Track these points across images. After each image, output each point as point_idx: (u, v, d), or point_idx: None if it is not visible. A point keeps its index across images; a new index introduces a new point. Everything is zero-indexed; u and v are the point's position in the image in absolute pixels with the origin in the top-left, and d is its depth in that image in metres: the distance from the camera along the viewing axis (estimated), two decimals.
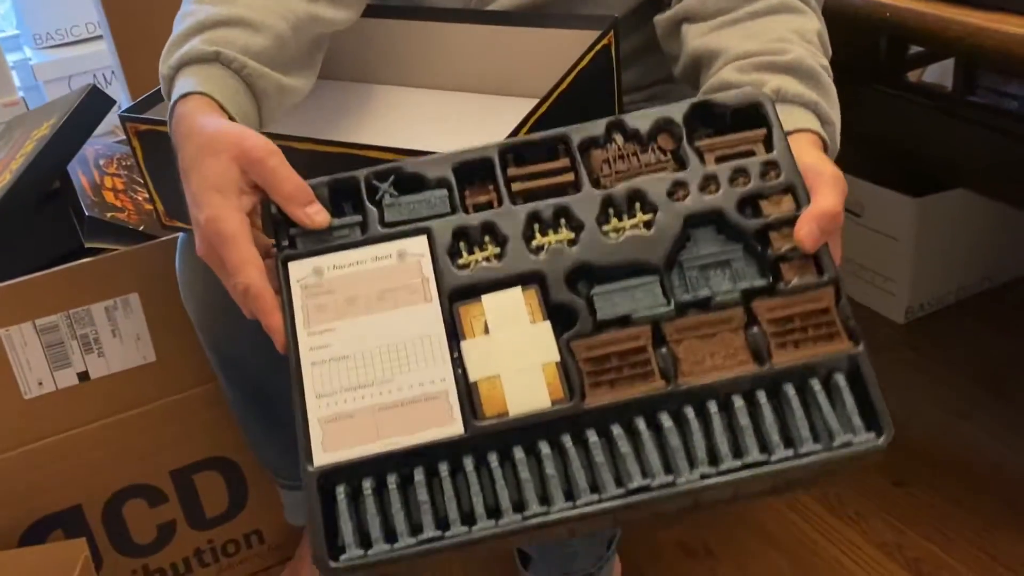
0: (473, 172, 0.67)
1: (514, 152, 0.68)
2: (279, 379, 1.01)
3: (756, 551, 1.29)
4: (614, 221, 0.65)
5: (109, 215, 1.11)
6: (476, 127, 0.95)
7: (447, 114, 0.97)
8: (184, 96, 0.71)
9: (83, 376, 1.12)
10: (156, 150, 0.85)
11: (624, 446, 0.59)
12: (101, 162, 1.25)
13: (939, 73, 2.17)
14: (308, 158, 0.77)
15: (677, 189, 0.66)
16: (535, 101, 0.78)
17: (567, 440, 0.59)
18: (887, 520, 1.31)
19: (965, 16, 0.94)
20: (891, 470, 1.38)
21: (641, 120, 0.68)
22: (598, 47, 0.84)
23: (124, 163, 1.28)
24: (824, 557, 1.27)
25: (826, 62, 0.81)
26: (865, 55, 1.82)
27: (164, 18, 1.36)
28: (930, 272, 1.67)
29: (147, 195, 1.19)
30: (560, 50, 0.90)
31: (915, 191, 1.62)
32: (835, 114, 0.79)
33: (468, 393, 0.60)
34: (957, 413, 1.47)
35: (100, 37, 2.16)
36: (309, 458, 0.61)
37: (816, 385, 0.62)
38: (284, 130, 0.82)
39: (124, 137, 1.38)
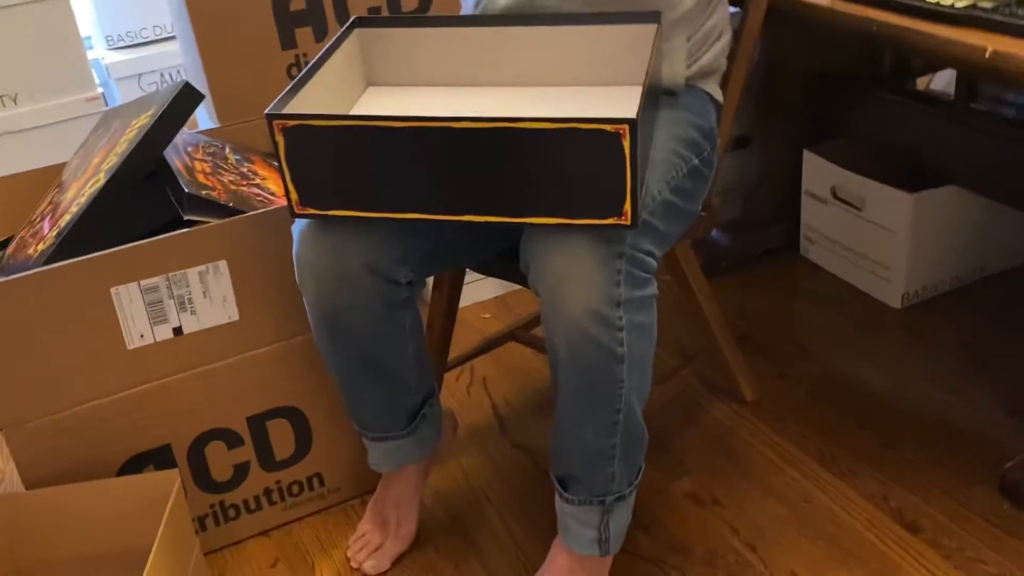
0: None
1: None
2: (384, 341, 1.19)
3: (758, 500, 1.45)
4: None
5: (204, 192, 1.29)
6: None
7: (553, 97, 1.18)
8: None
9: (177, 331, 1.30)
10: (300, 144, 1.01)
11: None
12: (189, 149, 1.44)
13: (946, 81, 2.33)
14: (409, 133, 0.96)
15: None
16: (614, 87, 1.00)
17: None
18: (876, 476, 1.47)
19: (934, 30, 1.10)
20: (882, 433, 1.54)
21: None
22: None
23: (207, 150, 1.47)
24: (818, 505, 1.43)
25: None
26: (871, 63, 1.99)
27: (244, 23, 1.56)
28: (925, 262, 1.83)
29: (238, 174, 1.38)
30: (621, 42, 1.09)
31: (912, 187, 1.78)
32: None
33: None
34: (944, 387, 1.63)
35: (167, 39, 2.36)
36: None
37: None
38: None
39: (200, 129, 1.57)
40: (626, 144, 0.93)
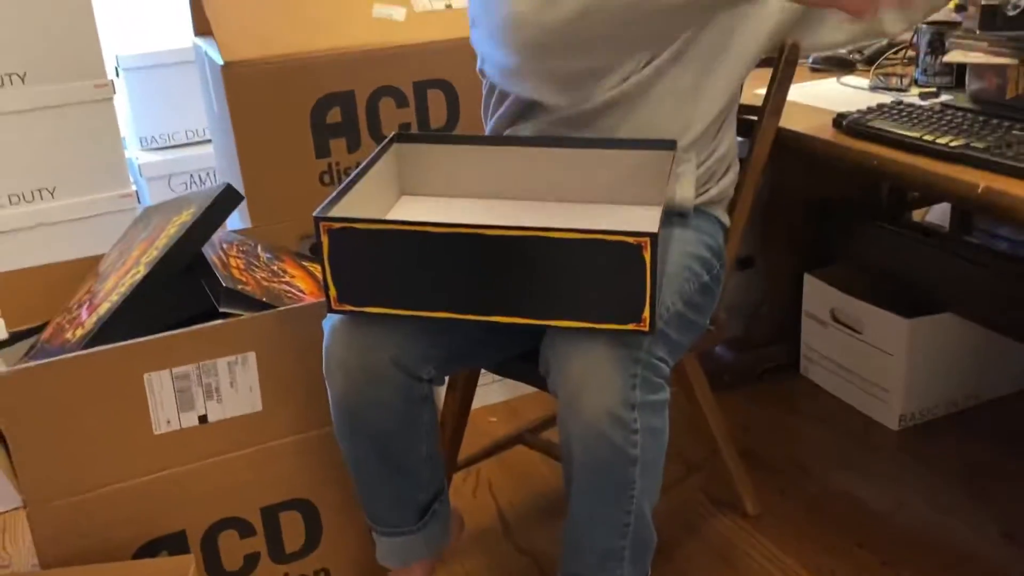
0: None
1: None
2: (402, 437, 1.24)
3: None
4: None
5: (239, 287, 1.36)
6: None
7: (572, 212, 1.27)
8: None
9: (203, 419, 1.35)
10: (343, 245, 1.09)
11: None
12: (224, 246, 1.51)
13: (941, 214, 2.44)
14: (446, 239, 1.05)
15: None
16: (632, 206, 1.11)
17: None
18: None
19: (931, 166, 1.19)
20: (880, 551, 1.57)
21: None
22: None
23: (241, 248, 1.54)
24: None
25: None
26: (868, 195, 2.09)
27: (282, 131, 1.66)
28: (922, 386, 1.89)
29: (269, 272, 1.45)
30: (639, 166, 1.17)
31: (909, 312, 1.85)
32: None
33: None
34: (941, 508, 1.67)
35: (198, 143, 2.48)
36: None
37: None
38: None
39: (233, 228, 1.65)
40: (647, 255, 1.00)
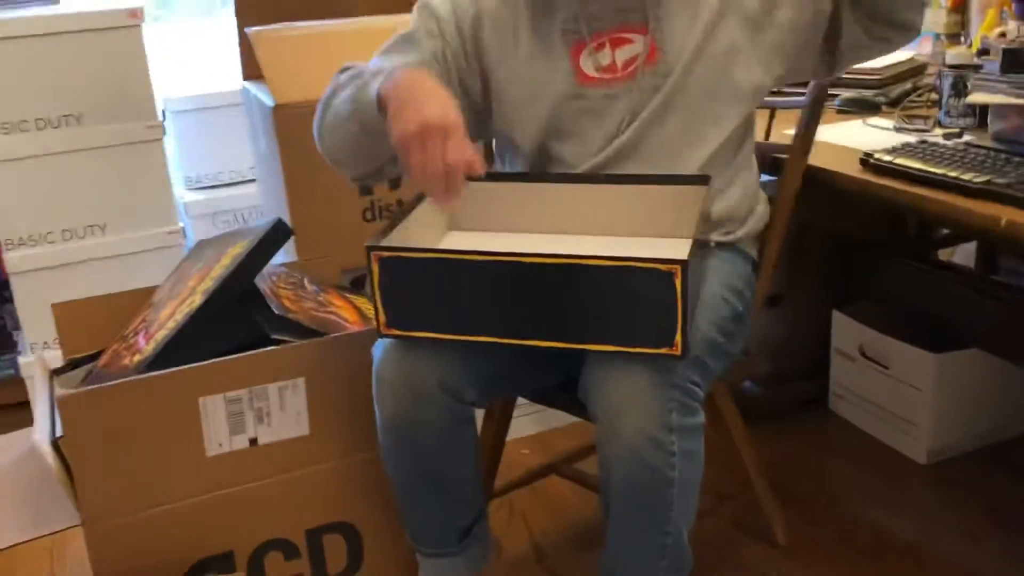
0: None
1: None
2: (448, 457, 1.29)
3: None
4: None
5: (290, 316, 1.42)
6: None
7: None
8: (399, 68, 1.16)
9: (253, 441, 1.41)
10: (392, 273, 1.15)
11: None
12: (273, 277, 1.58)
13: (967, 255, 2.48)
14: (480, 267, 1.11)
15: None
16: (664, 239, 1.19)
17: None
18: None
19: (955, 201, 1.24)
20: None
21: None
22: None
23: (289, 280, 1.61)
24: None
25: None
26: (895, 233, 2.13)
27: (329, 170, 1.73)
28: (950, 421, 1.91)
29: (316, 302, 1.51)
30: (673, 200, 1.24)
31: (936, 348, 1.88)
32: None
33: None
34: (970, 540, 1.69)
35: (242, 183, 2.56)
36: None
37: None
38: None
39: (279, 262, 1.71)
40: (678, 283, 1.05)
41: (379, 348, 1.26)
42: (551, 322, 1.12)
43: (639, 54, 1.29)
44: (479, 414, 1.82)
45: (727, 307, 1.30)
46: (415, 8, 1.37)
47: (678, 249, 1.27)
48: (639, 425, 1.11)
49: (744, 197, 1.40)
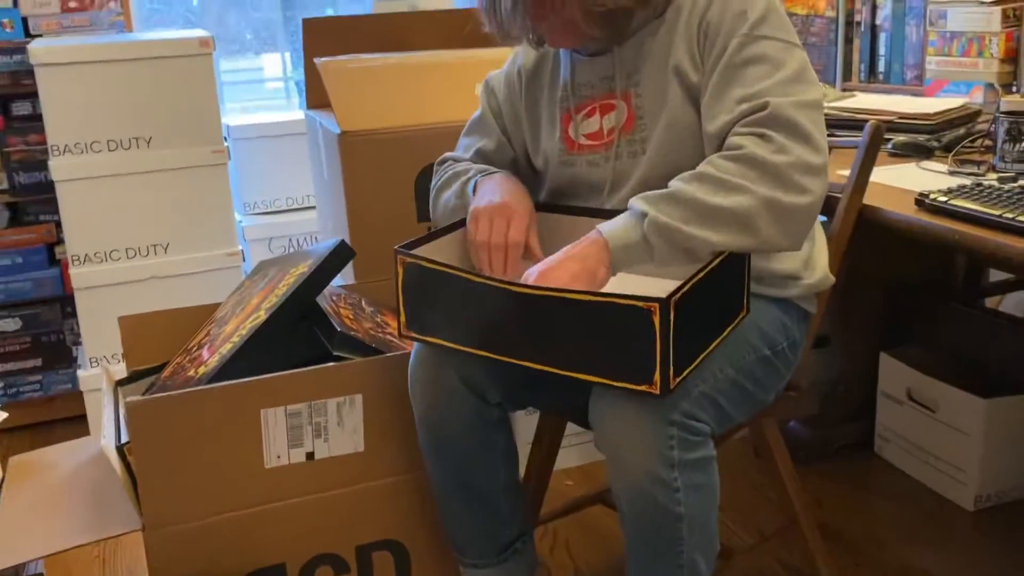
0: None
1: None
2: (479, 459, 1.33)
3: None
4: None
5: (352, 333, 1.46)
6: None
7: None
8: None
9: (310, 456, 1.44)
10: (413, 279, 1.24)
11: None
12: (334, 298, 1.62)
13: (1015, 303, 2.47)
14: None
15: None
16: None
17: None
18: None
19: (1010, 240, 1.26)
20: None
21: None
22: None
23: (348, 300, 1.65)
24: None
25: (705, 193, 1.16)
26: (944, 277, 2.14)
27: (389, 197, 1.78)
28: (998, 467, 1.90)
29: (374, 323, 1.55)
30: None
31: (985, 392, 1.88)
32: (671, 216, 1.16)
33: None
34: None
35: (298, 209, 2.62)
36: None
37: None
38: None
39: (338, 284, 1.76)
40: (656, 321, 1.05)
41: (414, 349, 1.34)
42: (543, 348, 1.16)
43: (621, 120, 1.33)
44: (523, 437, 1.84)
45: (751, 350, 1.29)
46: (480, 87, 1.51)
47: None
48: (639, 462, 1.12)
49: (794, 258, 1.35)
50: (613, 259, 1.19)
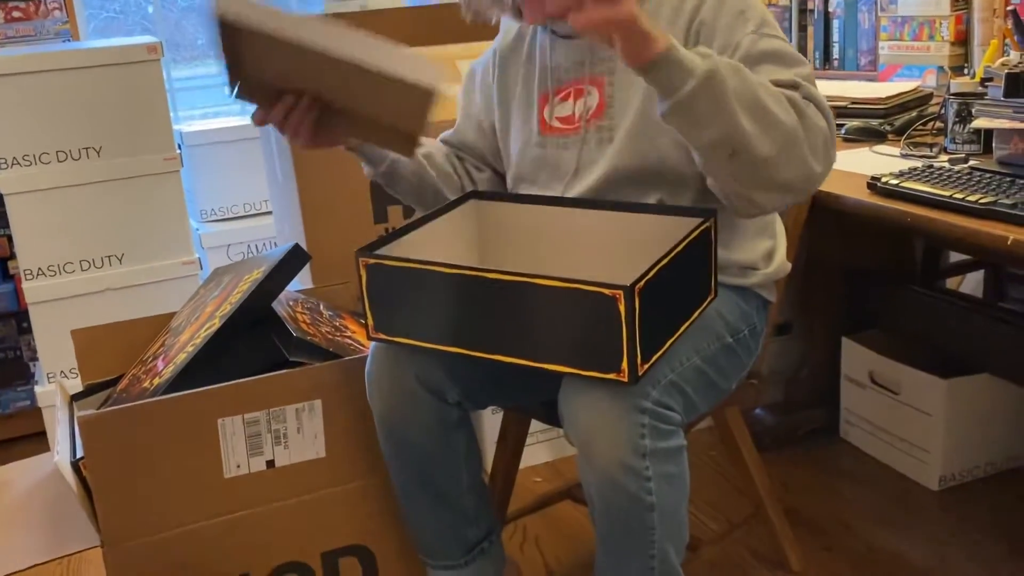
0: None
1: None
2: (441, 460, 1.31)
3: None
4: None
5: (308, 338, 1.45)
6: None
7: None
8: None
9: (270, 464, 1.42)
10: (377, 279, 1.22)
11: None
12: (290, 303, 1.60)
13: (974, 285, 2.49)
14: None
15: None
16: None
17: None
18: None
19: (962, 222, 1.27)
20: None
21: None
22: (704, 227, 1.18)
23: (306, 305, 1.63)
24: None
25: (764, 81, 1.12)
26: (903, 261, 2.16)
27: (344, 199, 1.76)
28: (961, 447, 1.92)
29: (332, 327, 1.53)
30: (670, 229, 1.25)
31: (946, 373, 1.89)
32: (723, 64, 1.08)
33: None
34: (982, 565, 1.69)
35: (255, 215, 2.60)
36: None
37: None
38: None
39: (295, 288, 1.74)
40: (622, 308, 1.04)
41: (371, 350, 1.32)
42: (513, 339, 1.14)
43: (591, 106, 1.32)
44: (489, 436, 1.83)
45: (716, 339, 1.29)
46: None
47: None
48: (610, 451, 1.11)
49: (756, 250, 1.37)
50: (662, 57, 1.06)
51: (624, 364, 1.07)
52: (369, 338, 1.26)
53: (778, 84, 1.15)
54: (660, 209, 1.29)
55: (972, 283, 2.52)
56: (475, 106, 1.49)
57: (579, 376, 1.12)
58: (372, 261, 1.21)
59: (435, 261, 1.17)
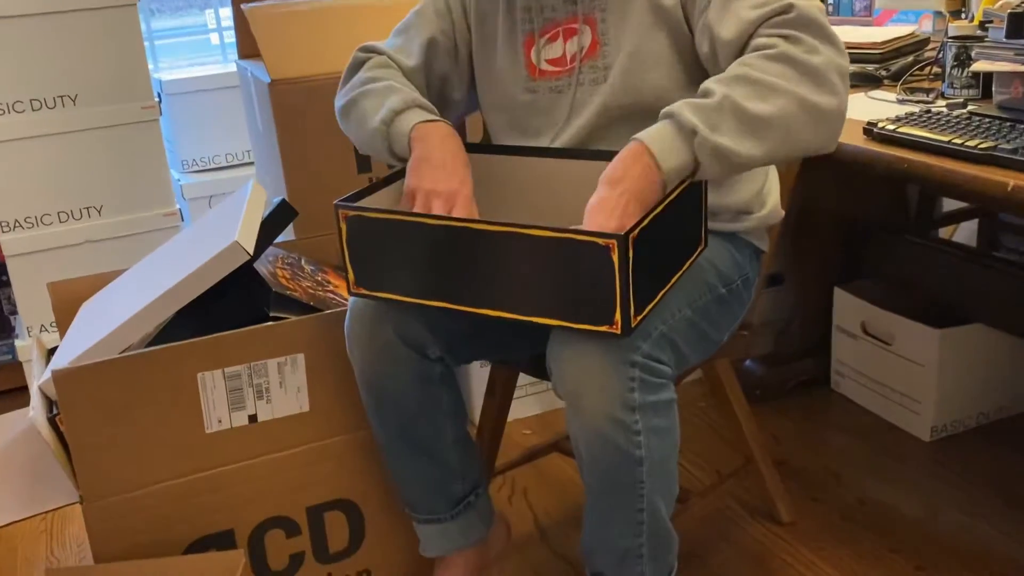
0: None
1: None
2: (423, 416, 1.29)
3: None
4: None
5: (287, 293, 1.41)
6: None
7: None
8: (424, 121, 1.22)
9: (252, 418, 1.40)
10: (357, 232, 1.17)
11: None
12: (270, 259, 1.56)
13: (968, 234, 2.47)
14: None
15: None
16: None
17: None
18: None
19: (960, 167, 1.23)
20: (915, 557, 1.59)
21: None
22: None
23: (286, 261, 1.59)
24: None
25: (755, 104, 1.06)
26: (896, 210, 2.12)
27: (326, 149, 1.72)
28: (953, 397, 1.90)
29: (314, 281, 1.50)
30: None
31: (939, 323, 1.87)
32: (724, 134, 1.05)
33: None
34: (974, 515, 1.68)
35: (238, 165, 2.54)
36: None
37: None
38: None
39: (277, 242, 1.70)
40: (615, 258, 1.00)
41: (350, 305, 1.29)
42: (501, 292, 1.10)
43: (584, 45, 1.27)
44: (476, 389, 1.81)
45: (707, 289, 1.26)
46: None
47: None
48: (599, 405, 1.08)
49: (748, 191, 1.34)
50: (664, 181, 1.07)
51: (617, 316, 1.04)
52: (350, 293, 1.22)
53: (767, 18, 1.11)
54: None
55: (966, 232, 2.50)
56: (450, 30, 1.38)
57: (568, 329, 1.09)
58: (352, 213, 1.16)
59: (418, 212, 1.13)
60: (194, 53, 3.21)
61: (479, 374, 1.94)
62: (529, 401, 2.08)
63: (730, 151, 1.06)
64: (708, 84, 1.09)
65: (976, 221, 2.39)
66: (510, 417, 1.74)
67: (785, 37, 1.10)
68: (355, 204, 1.18)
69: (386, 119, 1.26)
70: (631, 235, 1.01)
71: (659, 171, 1.06)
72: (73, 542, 1.77)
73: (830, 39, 1.11)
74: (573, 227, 1.03)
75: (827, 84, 1.09)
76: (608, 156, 1.27)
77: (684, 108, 1.07)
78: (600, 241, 1.01)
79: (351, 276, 1.20)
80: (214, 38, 3.21)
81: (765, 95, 1.07)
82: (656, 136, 1.07)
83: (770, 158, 1.09)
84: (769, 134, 1.07)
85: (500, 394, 1.61)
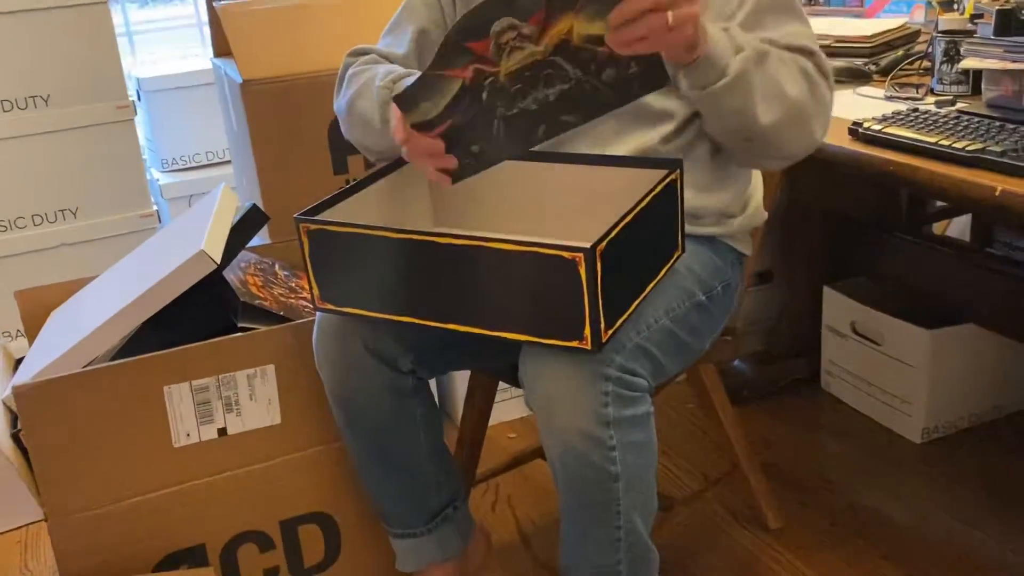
0: None
1: None
2: (396, 430, 1.25)
3: None
4: None
5: (257, 302, 1.37)
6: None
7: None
8: None
9: (222, 432, 1.36)
10: (320, 246, 1.13)
11: None
12: (242, 265, 1.52)
13: (961, 229, 2.43)
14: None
15: None
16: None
17: None
18: None
19: (948, 170, 1.19)
20: (906, 564, 1.55)
21: None
22: (669, 179, 1.10)
23: (259, 267, 1.55)
24: None
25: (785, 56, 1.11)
26: (887, 207, 2.08)
27: (301, 149, 1.68)
28: (944, 398, 1.87)
29: (287, 288, 1.46)
30: (635, 182, 1.17)
31: (930, 324, 1.84)
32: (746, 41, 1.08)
33: None
34: (966, 520, 1.65)
35: (218, 164, 2.50)
36: None
37: None
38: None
39: (251, 245, 1.66)
40: (583, 271, 0.97)
41: (317, 319, 1.25)
42: (468, 306, 1.07)
43: None
44: (455, 399, 1.77)
45: (686, 297, 1.21)
46: None
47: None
48: (572, 421, 1.04)
49: (730, 192, 1.30)
50: (704, 54, 1.05)
51: (587, 331, 1.00)
52: (315, 309, 1.18)
53: (792, 48, 1.14)
54: (625, 161, 1.21)
55: (959, 226, 2.46)
56: (440, 19, 1.34)
57: (538, 344, 1.05)
58: (315, 227, 1.12)
59: (381, 226, 1.09)
60: (182, 45, 3.16)
61: (463, 375, 1.90)
62: (513, 404, 2.05)
63: (752, 85, 1.08)
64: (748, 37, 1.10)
65: (970, 215, 2.35)
66: (495, 420, 1.71)
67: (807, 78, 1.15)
68: (316, 218, 1.14)
69: (386, 84, 1.24)
70: (598, 247, 0.97)
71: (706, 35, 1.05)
72: (48, 555, 1.74)
73: (832, 98, 1.18)
74: (538, 240, 1.00)
75: (822, 118, 1.16)
76: (588, 160, 1.23)
77: (738, 32, 1.10)
78: (566, 255, 0.97)
79: (316, 292, 1.16)
80: (205, 30, 3.17)
81: (797, 87, 1.12)
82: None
83: (766, 133, 1.11)
84: (787, 114, 1.11)
85: (480, 401, 1.58)
